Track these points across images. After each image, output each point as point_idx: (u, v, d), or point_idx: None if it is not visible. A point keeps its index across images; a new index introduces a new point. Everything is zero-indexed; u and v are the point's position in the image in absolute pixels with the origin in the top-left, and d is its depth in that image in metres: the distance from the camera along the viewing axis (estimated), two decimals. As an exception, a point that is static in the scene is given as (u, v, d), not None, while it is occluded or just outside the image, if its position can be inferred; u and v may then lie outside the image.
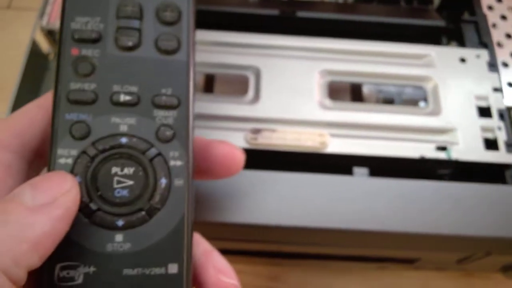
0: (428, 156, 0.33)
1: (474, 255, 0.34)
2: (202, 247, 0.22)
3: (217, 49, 0.37)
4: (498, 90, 0.36)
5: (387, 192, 0.31)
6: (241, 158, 0.24)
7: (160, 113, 0.20)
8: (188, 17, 0.21)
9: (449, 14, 0.43)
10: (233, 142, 0.32)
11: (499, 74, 0.37)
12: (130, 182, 0.19)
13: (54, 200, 0.17)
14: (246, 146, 0.33)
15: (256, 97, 0.35)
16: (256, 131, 0.33)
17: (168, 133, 0.20)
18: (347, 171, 0.33)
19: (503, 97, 0.36)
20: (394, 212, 0.30)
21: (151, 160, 0.19)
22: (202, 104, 0.34)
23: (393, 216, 0.30)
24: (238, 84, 0.37)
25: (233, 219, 0.29)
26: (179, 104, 0.20)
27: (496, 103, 0.35)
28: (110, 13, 0.21)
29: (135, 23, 0.21)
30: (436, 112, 0.35)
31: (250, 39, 0.37)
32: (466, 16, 0.41)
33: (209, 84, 0.39)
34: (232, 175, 0.24)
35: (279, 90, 0.35)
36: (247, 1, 0.44)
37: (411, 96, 0.40)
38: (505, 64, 0.42)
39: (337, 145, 0.33)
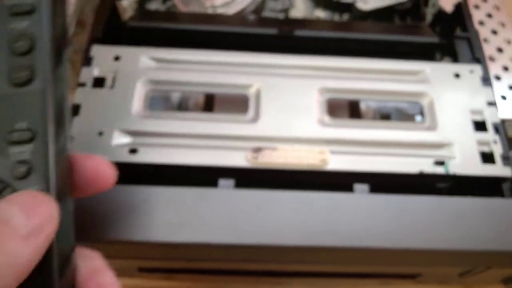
0: (426, 171, 0.33)
1: (475, 269, 0.34)
2: (91, 263, 0.21)
3: (217, 68, 0.37)
4: (492, 104, 0.37)
5: (387, 208, 0.31)
6: (110, 173, 0.23)
7: (15, 150, 0.19)
8: (44, 44, 0.20)
9: (442, 30, 0.44)
10: (234, 161, 0.33)
11: (492, 88, 0.38)
12: None
13: (42, 228, 0.17)
14: (247, 165, 0.33)
15: (256, 115, 0.35)
16: (257, 150, 0.33)
17: (23, 169, 0.19)
18: (348, 188, 0.34)
19: (497, 110, 0.37)
20: (395, 228, 0.30)
21: None
22: (202, 124, 0.34)
23: (394, 233, 0.30)
24: (238, 103, 0.37)
25: (242, 241, 0.29)
26: (35, 137, 0.19)
27: (491, 117, 0.36)
28: None
29: None
30: (432, 127, 0.35)
31: (249, 58, 0.38)
32: (458, 32, 0.42)
33: (209, 104, 0.39)
34: (102, 191, 0.23)
35: (279, 109, 0.35)
36: (246, 20, 0.44)
37: (408, 111, 0.40)
38: (498, 78, 0.43)
39: (337, 162, 0.33)
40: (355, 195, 0.32)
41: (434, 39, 0.41)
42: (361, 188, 0.33)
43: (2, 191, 0.19)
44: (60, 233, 0.19)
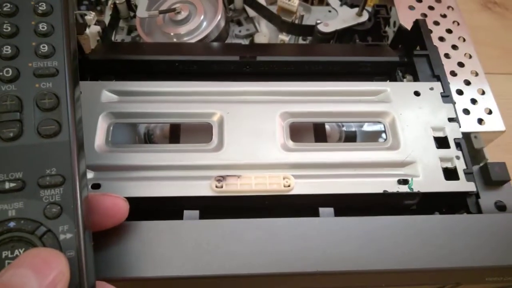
0: (390, 191, 0.33)
1: (445, 287, 0.34)
2: None
3: (179, 98, 0.37)
4: (453, 120, 0.37)
5: (354, 231, 0.30)
6: (124, 206, 0.26)
7: (46, 193, 0.21)
8: (68, 101, 0.23)
9: (403, 48, 0.44)
10: (199, 191, 0.32)
11: (453, 104, 0.38)
12: None
13: (55, 285, 0.18)
14: (212, 194, 0.32)
15: (220, 144, 0.35)
16: (221, 179, 0.33)
17: (55, 210, 0.21)
18: (314, 211, 0.33)
19: (459, 126, 0.37)
20: (363, 250, 0.30)
21: (40, 238, 0.21)
22: (165, 155, 0.34)
23: (362, 255, 0.29)
24: (204, 131, 0.37)
25: (209, 272, 0.29)
26: (65, 181, 0.22)
27: (452, 133, 0.36)
28: None
29: (15, 115, 0.22)
30: (395, 146, 0.35)
31: (211, 87, 0.37)
32: (418, 50, 0.42)
33: (174, 134, 0.39)
34: (118, 223, 0.26)
35: (242, 135, 0.35)
36: (210, 48, 0.44)
37: (373, 130, 0.40)
38: (460, 92, 0.43)
39: (301, 187, 0.33)
40: (320, 219, 0.32)
41: (394, 58, 0.41)
42: (326, 211, 0.33)
43: (35, 231, 0.21)
44: (87, 267, 0.21)
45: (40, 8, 0.24)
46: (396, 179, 0.33)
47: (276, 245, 0.30)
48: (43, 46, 0.23)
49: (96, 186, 0.32)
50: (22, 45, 0.23)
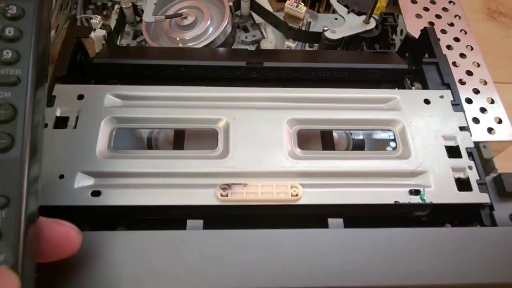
0: (402, 201, 0.31)
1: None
2: None
3: (184, 103, 0.34)
4: (464, 128, 0.34)
5: (364, 243, 0.28)
6: (76, 238, 0.22)
7: None
8: (26, 113, 0.20)
9: (411, 56, 0.42)
10: (203, 200, 0.30)
11: (464, 113, 0.35)
12: None
13: None
14: (217, 203, 0.30)
15: (226, 150, 0.32)
16: (227, 187, 0.30)
17: None
18: (322, 221, 0.31)
19: (470, 135, 0.34)
20: (373, 264, 0.27)
21: None
22: (168, 162, 0.31)
23: (372, 269, 0.27)
24: (209, 136, 0.34)
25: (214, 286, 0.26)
26: (8, 203, 0.19)
27: (464, 142, 0.34)
28: None
29: None
30: (405, 155, 0.33)
31: (217, 92, 0.35)
32: (427, 57, 0.40)
33: (179, 140, 0.37)
34: (66, 256, 0.22)
35: (248, 142, 0.32)
36: (216, 53, 0.42)
37: (381, 138, 0.38)
38: (469, 101, 0.41)
39: (310, 196, 0.30)
40: (329, 230, 0.29)
41: (403, 65, 0.39)
42: (335, 222, 0.30)
43: None
44: None
45: (9, 11, 0.21)
46: (408, 189, 0.31)
47: (283, 257, 0.27)
48: (7, 52, 0.21)
49: (96, 193, 0.29)
50: None
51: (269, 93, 0.35)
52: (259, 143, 0.32)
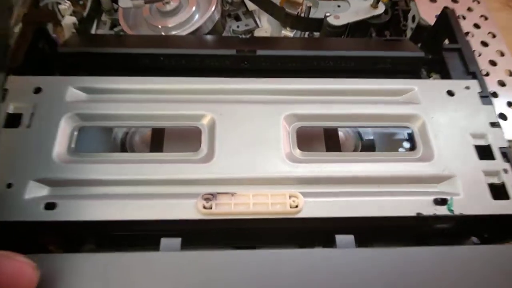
0: (426, 213, 0.25)
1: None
2: None
3: (162, 97, 0.29)
4: (495, 124, 0.29)
5: (380, 267, 0.22)
6: (31, 276, 0.19)
7: None
8: None
9: (425, 44, 0.36)
10: (181, 213, 0.24)
11: (494, 106, 0.30)
12: None
13: None
14: (198, 216, 0.24)
15: (210, 153, 0.27)
16: (211, 197, 0.25)
17: None
18: (328, 240, 0.25)
19: (503, 132, 0.29)
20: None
21: None
22: (143, 167, 0.26)
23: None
24: (192, 138, 0.29)
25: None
26: None
27: (496, 141, 0.28)
28: None
29: None
30: (427, 156, 0.27)
31: (201, 84, 0.29)
32: (447, 44, 0.34)
33: (157, 140, 0.31)
34: None
35: (237, 143, 0.27)
36: (203, 41, 0.37)
37: (393, 134, 0.32)
38: (495, 94, 0.36)
39: (312, 208, 0.25)
40: (337, 250, 0.24)
41: (419, 53, 0.34)
42: (344, 240, 0.24)
43: None
44: None
45: None
46: (432, 198, 0.25)
47: (281, 285, 0.21)
48: None
49: (50, 206, 0.24)
50: None
51: (262, 85, 0.30)
52: (251, 143, 0.27)
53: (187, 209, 0.24)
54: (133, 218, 0.24)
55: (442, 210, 0.25)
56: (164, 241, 0.24)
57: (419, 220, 0.25)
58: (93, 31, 0.40)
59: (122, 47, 0.33)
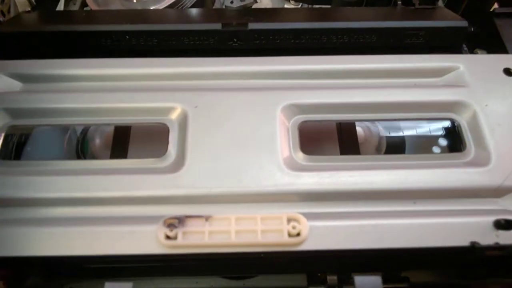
0: (484, 243, 0.17)
1: None
2: None
3: (119, 85, 0.22)
4: None
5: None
6: None
7: None
8: None
9: (468, 10, 0.28)
10: (136, 245, 0.17)
11: None
12: None
13: None
14: (159, 251, 0.17)
15: (180, 159, 0.20)
16: (176, 222, 0.17)
17: None
18: (344, 280, 0.17)
19: None
20: None
21: None
22: (88, 180, 0.19)
23: None
24: (158, 139, 0.21)
25: None
26: None
27: None
28: None
29: None
30: (481, 160, 0.20)
31: (171, 67, 0.22)
32: (497, 8, 0.26)
33: (120, 142, 0.24)
34: None
35: (217, 145, 0.20)
36: (182, 16, 0.29)
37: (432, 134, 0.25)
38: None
39: (320, 236, 0.17)
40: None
41: (461, 22, 0.26)
42: (367, 282, 0.17)
43: None
44: None
45: None
46: (491, 219, 0.18)
47: None
48: None
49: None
50: None
51: (252, 66, 0.22)
52: (236, 145, 0.20)
53: (144, 240, 0.17)
54: (71, 254, 0.17)
55: (507, 237, 0.18)
56: (108, 286, 0.17)
57: (476, 253, 0.17)
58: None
59: (78, 25, 0.26)
